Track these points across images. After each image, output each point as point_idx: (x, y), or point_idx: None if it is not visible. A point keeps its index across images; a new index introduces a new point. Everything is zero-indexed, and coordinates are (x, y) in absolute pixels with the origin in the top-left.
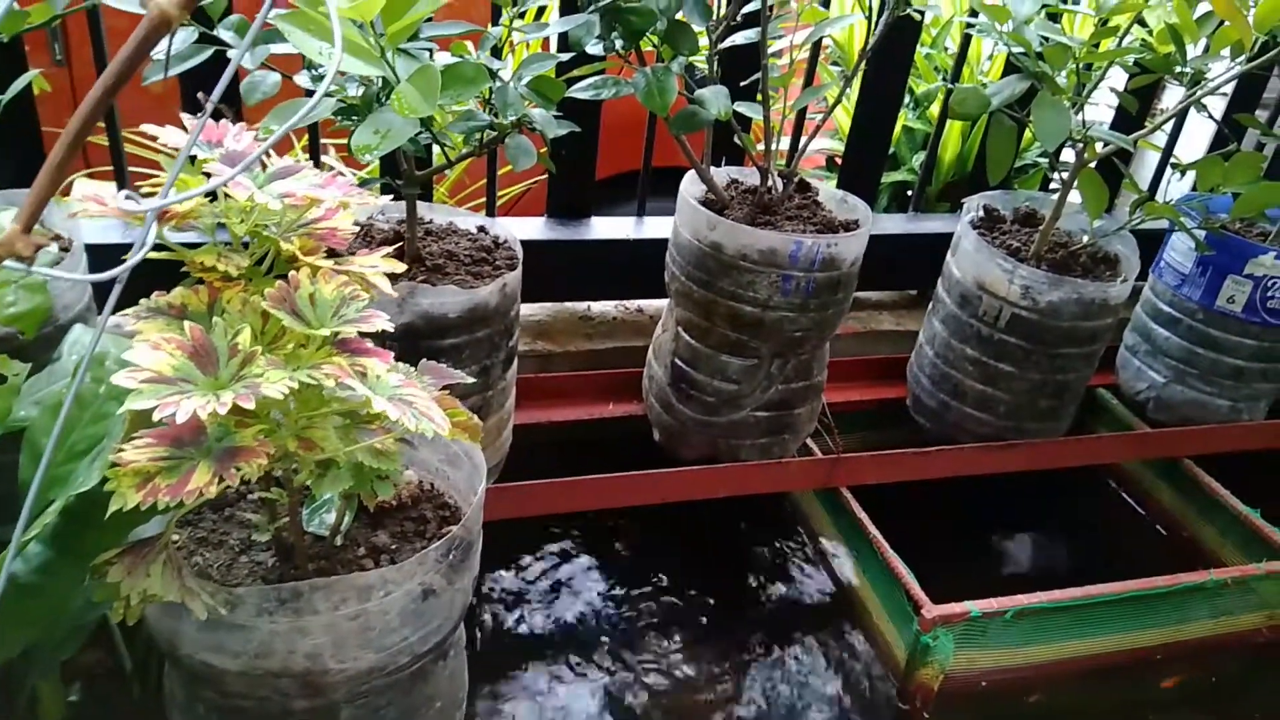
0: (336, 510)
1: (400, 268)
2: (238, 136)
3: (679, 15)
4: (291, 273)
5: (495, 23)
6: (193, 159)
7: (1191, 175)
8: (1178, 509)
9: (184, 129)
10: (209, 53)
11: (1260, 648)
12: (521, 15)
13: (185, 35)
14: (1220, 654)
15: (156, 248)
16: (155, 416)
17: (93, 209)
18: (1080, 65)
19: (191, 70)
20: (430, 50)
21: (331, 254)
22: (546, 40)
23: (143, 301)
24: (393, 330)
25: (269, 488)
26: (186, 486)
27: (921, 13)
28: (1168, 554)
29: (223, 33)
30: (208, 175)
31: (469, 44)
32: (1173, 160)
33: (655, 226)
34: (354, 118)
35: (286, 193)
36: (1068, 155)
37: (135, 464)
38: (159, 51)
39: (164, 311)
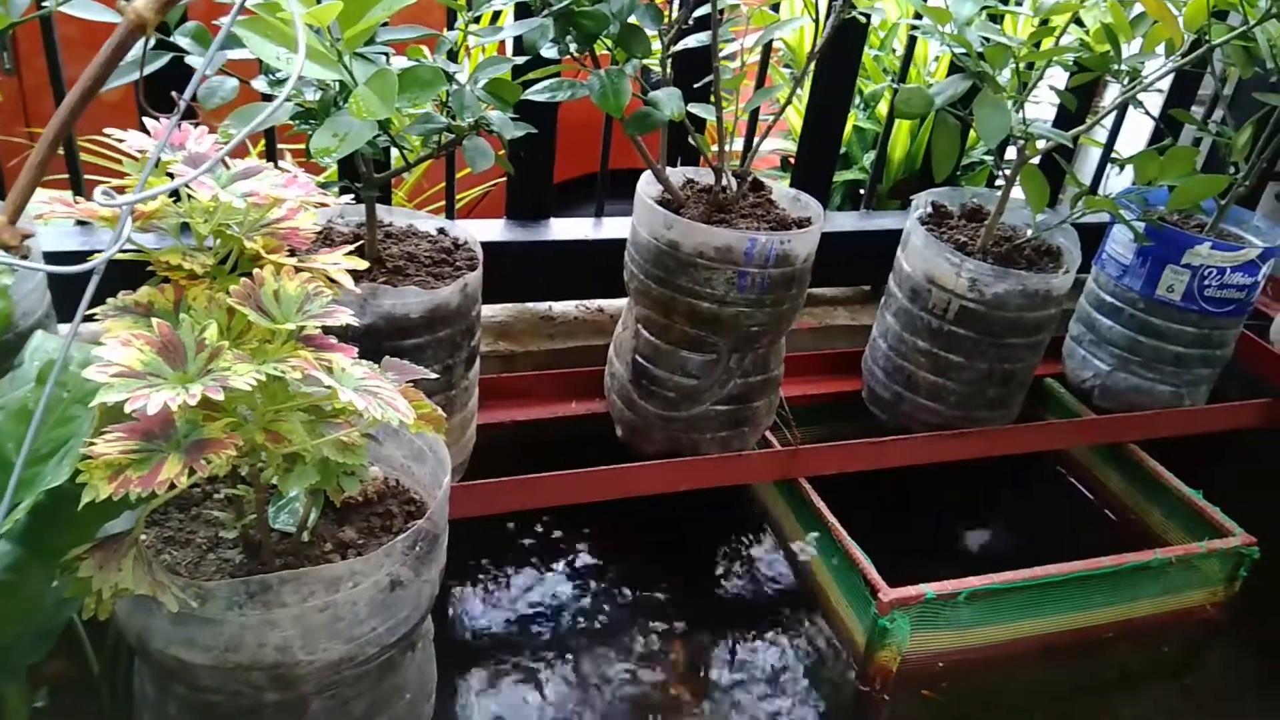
0: (303, 506)
1: (362, 265)
2: (199, 139)
3: (631, 19)
4: (256, 270)
5: (451, 27)
6: (157, 162)
7: (1131, 169)
8: (1124, 492)
9: (147, 133)
10: (166, 59)
11: (1205, 623)
12: (477, 19)
13: (143, 41)
14: (1167, 630)
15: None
16: (127, 408)
17: (59, 210)
18: (1021, 64)
19: (147, 77)
20: (387, 54)
21: (294, 253)
22: (503, 44)
23: (110, 300)
24: (357, 326)
25: (235, 485)
26: (158, 477)
27: (867, 15)
28: (1115, 536)
29: (179, 39)
30: (172, 176)
31: (425, 48)
32: (1113, 155)
33: (614, 227)
34: (312, 121)
35: (250, 192)
36: (1012, 152)
37: (107, 456)
38: (136, 51)
39: (131, 310)
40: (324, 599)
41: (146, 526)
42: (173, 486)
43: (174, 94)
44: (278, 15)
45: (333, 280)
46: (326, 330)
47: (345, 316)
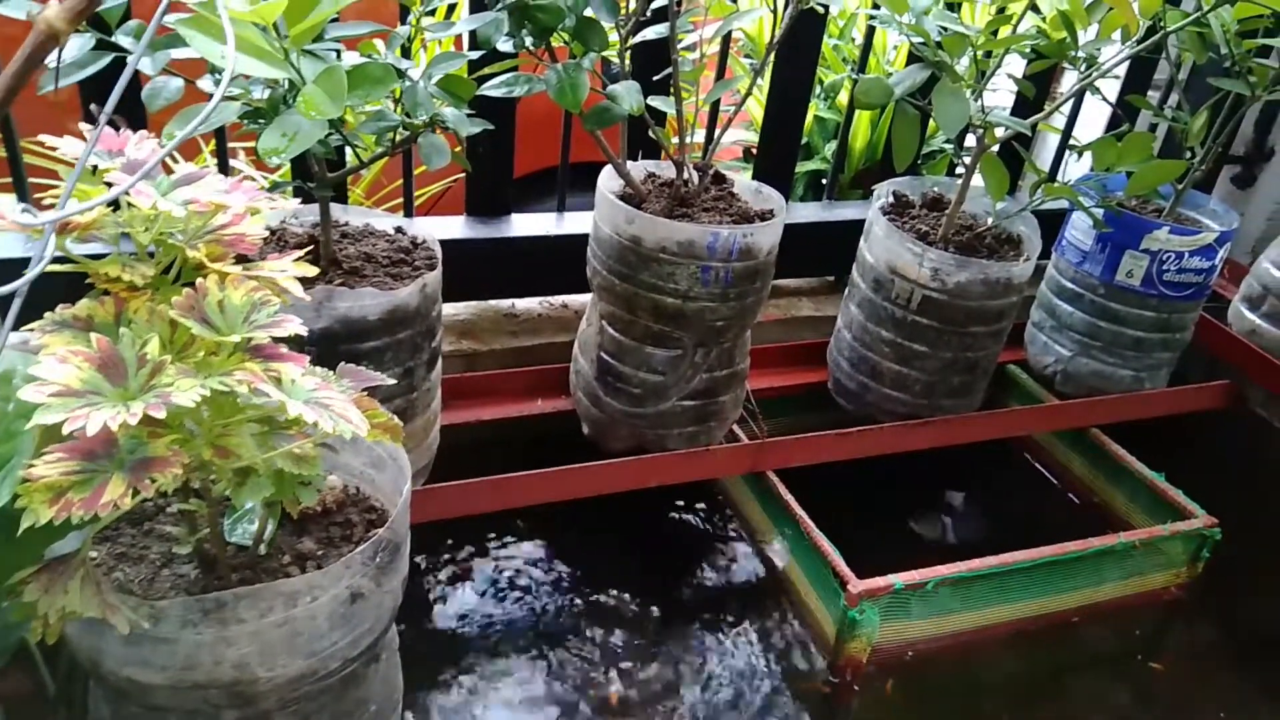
0: (259, 519)
1: (312, 271)
2: (139, 144)
3: (587, 11)
4: (199, 280)
5: (404, 22)
6: (94, 169)
7: (1089, 156)
8: (1088, 476)
9: (84, 138)
10: (107, 59)
11: (1170, 605)
12: (431, 13)
13: (82, 42)
14: (1133, 612)
15: (59, 260)
16: (65, 430)
17: None
18: (979, 53)
19: (93, 77)
20: (337, 51)
21: (242, 260)
22: (459, 39)
23: (47, 315)
24: (305, 334)
25: (188, 499)
26: (100, 499)
27: (826, 5)
28: (1080, 519)
29: (121, 39)
30: (110, 185)
31: (379, 44)
32: (1071, 142)
33: (576, 222)
34: (261, 121)
35: (190, 199)
36: (972, 141)
37: (46, 479)
38: (52, 60)
39: (70, 324)
40: (282, 614)
41: (98, 542)
42: (116, 507)
43: (93, 106)
44: (218, 14)
45: (281, 287)
46: (277, 339)
47: (293, 326)
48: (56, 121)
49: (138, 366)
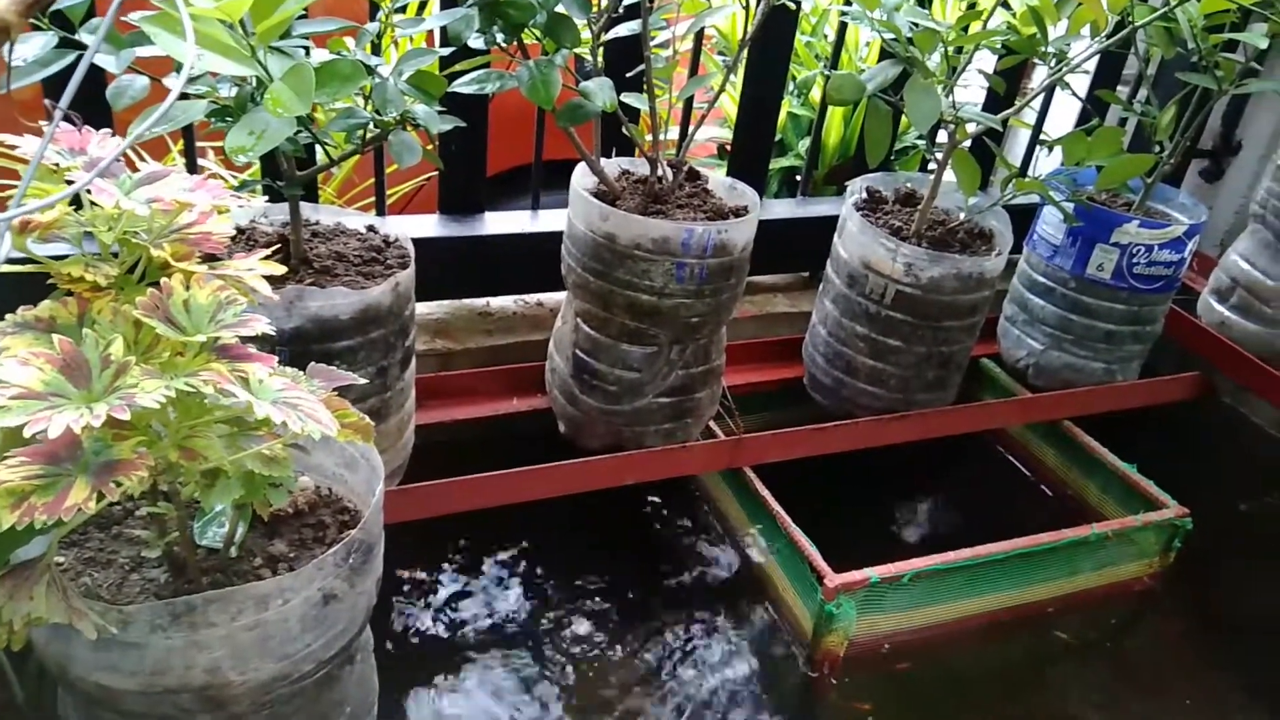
0: (229, 521)
1: (280, 269)
2: (101, 143)
3: (558, 8)
4: (164, 279)
5: (374, 18)
6: (56, 167)
7: (1060, 151)
8: (1061, 469)
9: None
10: (71, 58)
11: (1142, 595)
12: (402, 10)
13: (45, 40)
14: (1106, 602)
15: (21, 260)
16: (26, 433)
17: None
18: (950, 49)
19: (59, 75)
20: (306, 48)
21: (210, 259)
22: (432, 35)
23: (8, 317)
24: (274, 334)
25: (156, 502)
26: (64, 504)
27: (798, 2)
28: (1054, 512)
29: (85, 37)
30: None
31: (350, 40)
32: (1042, 137)
33: (551, 219)
34: (229, 119)
35: (154, 198)
36: (943, 136)
37: (8, 483)
38: (17, 58)
39: (32, 326)
40: (252, 617)
41: (65, 547)
42: (80, 511)
43: (47, 102)
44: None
45: (248, 286)
46: (245, 340)
47: (261, 325)
48: (29, 119)
49: (101, 368)
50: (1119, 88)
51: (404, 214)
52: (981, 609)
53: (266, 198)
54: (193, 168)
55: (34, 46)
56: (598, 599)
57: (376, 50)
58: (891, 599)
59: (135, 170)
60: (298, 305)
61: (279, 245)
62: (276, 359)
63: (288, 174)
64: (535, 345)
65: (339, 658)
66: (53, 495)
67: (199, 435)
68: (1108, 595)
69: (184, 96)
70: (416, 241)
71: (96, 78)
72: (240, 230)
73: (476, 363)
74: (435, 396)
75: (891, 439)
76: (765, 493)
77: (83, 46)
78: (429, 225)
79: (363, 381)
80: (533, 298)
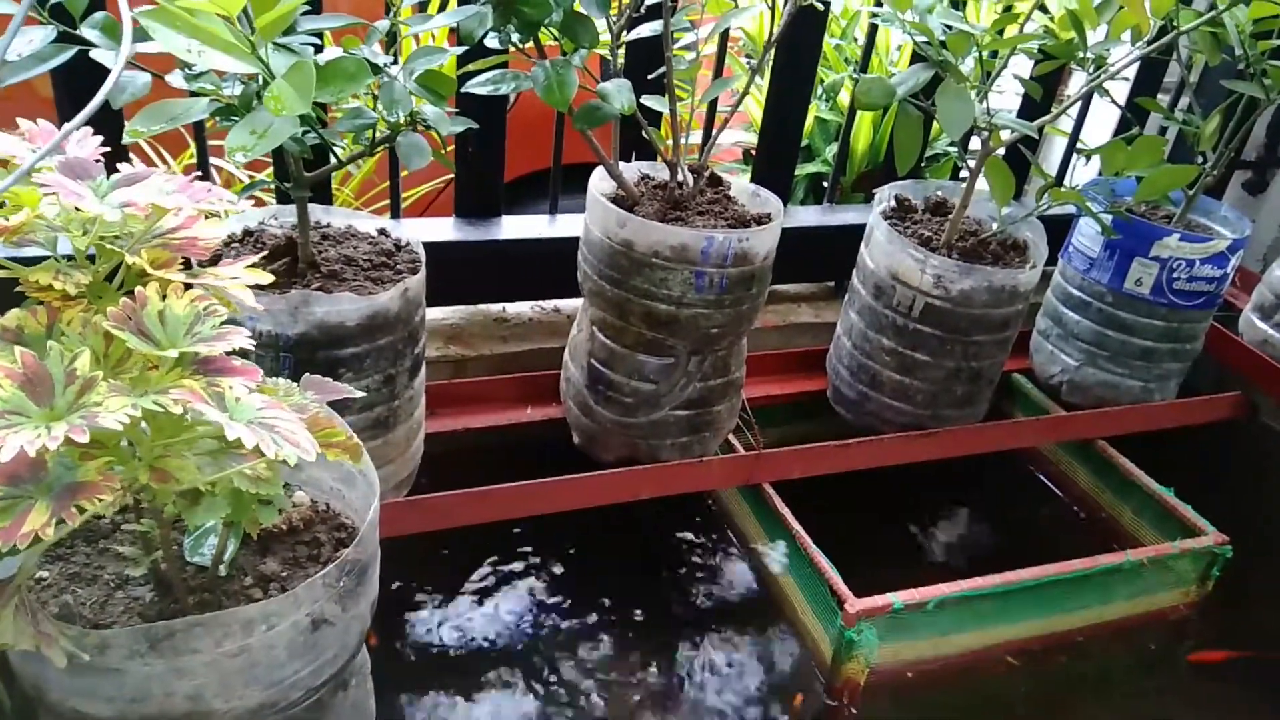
0: (218, 538)
1: (267, 278)
2: (81, 142)
3: (576, 6)
4: (138, 289)
5: (387, 15)
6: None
7: (1097, 160)
8: (1094, 490)
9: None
10: (71, 52)
11: (1178, 625)
12: (423, 7)
13: (44, 34)
14: (1140, 632)
15: None
16: None
17: None
18: (984, 53)
19: (62, 69)
20: (318, 45)
21: (189, 266)
22: (452, 33)
23: None
24: (289, 336)
25: (140, 519)
26: (21, 529)
27: (826, 3)
28: (1086, 535)
29: (87, 31)
30: (45, 186)
31: (377, 43)
32: (1079, 145)
33: (569, 224)
34: (234, 118)
35: (127, 202)
36: (976, 143)
37: None
38: (13, 52)
39: None
40: (237, 644)
41: (50, 561)
42: (38, 538)
43: None
44: (182, 4)
45: (230, 296)
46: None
47: (239, 340)
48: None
49: (66, 384)
50: (1159, 95)
51: (426, 215)
52: (1010, 637)
53: (250, 200)
54: (205, 166)
55: (34, 40)
56: (608, 617)
57: (388, 48)
58: (916, 626)
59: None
60: (303, 310)
61: (283, 249)
62: (261, 373)
63: (295, 175)
64: (551, 352)
65: (330, 684)
66: (10, 520)
67: (173, 455)
68: (1142, 624)
69: (190, 95)
70: (431, 245)
71: (100, 73)
72: (249, 232)
73: (490, 369)
74: (447, 404)
75: (918, 456)
76: (785, 510)
77: (84, 41)
78: (444, 229)
79: (359, 394)
80: (550, 304)
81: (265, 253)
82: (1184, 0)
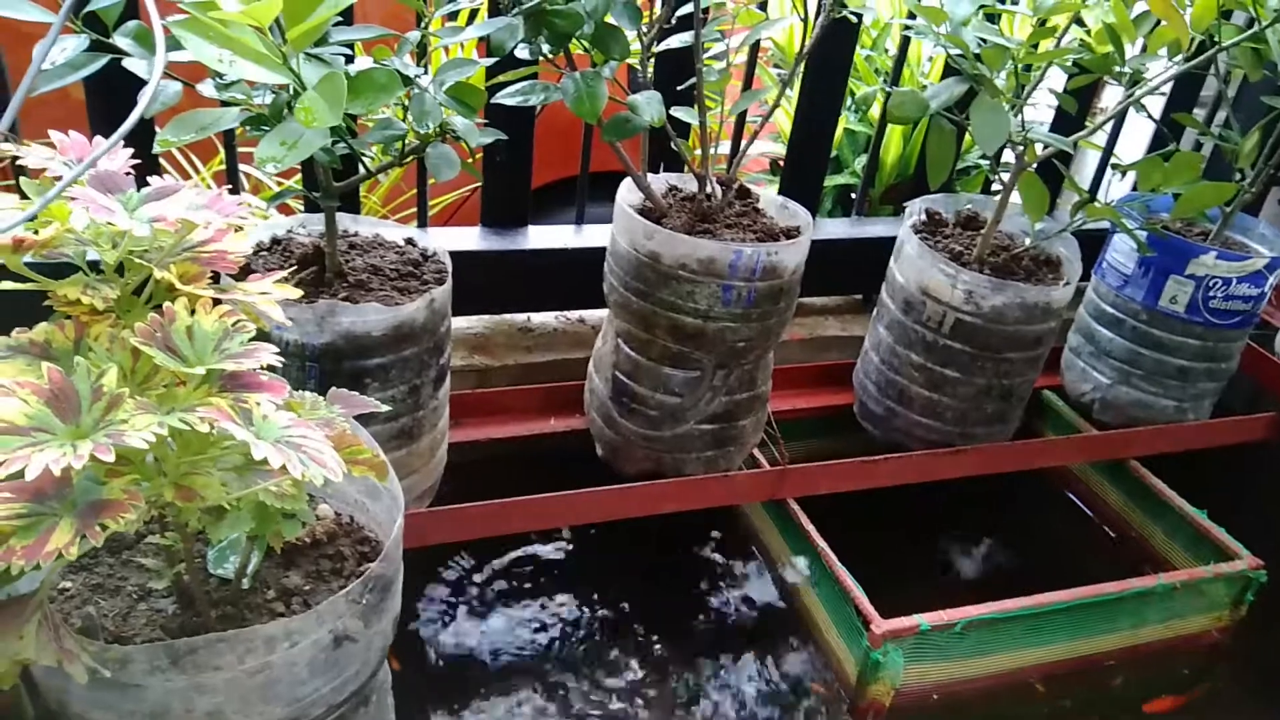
0: (241, 552)
1: (295, 293)
2: (113, 155)
3: (607, 18)
4: (167, 304)
5: (419, 27)
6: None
7: (1132, 175)
8: (1125, 510)
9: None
10: (104, 61)
11: (1211, 650)
12: (454, 16)
13: (77, 42)
14: (1172, 657)
15: (17, 278)
16: (0, 474)
17: None
18: (1019, 66)
19: (95, 77)
20: (349, 56)
21: (217, 280)
22: (482, 44)
23: (1, 340)
24: (315, 345)
25: (163, 531)
26: (44, 548)
27: (859, 15)
28: (1116, 556)
29: (120, 40)
30: (74, 199)
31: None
32: (1113, 160)
33: (595, 234)
34: (265, 128)
35: (157, 217)
36: (1010, 157)
37: None
38: (48, 60)
39: (26, 350)
40: (258, 660)
41: (75, 571)
42: (61, 556)
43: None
44: (214, 15)
45: (259, 312)
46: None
47: (266, 356)
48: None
49: (92, 400)
50: (1196, 110)
51: (453, 221)
52: (1038, 660)
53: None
54: (234, 176)
55: (68, 49)
56: (629, 630)
57: (419, 59)
58: (942, 647)
59: (186, 178)
60: (329, 320)
61: (311, 258)
62: (288, 387)
63: (324, 185)
64: (576, 363)
65: (352, 701)
66: (33, 537)
67: (199, 473)
68: (1173, 649)
69: (221, 105)
70: (458, 254)
71: (132, 81)
72: (277, 240)
73: (514, 379)
74: (471, 414)
75: (946, 474)
76: (810, 527)
77: (117, 50)
78: (471, 238)
79: (385, 409)
80: (575, 314)
81: (291, 263)
82: (1225, 15)
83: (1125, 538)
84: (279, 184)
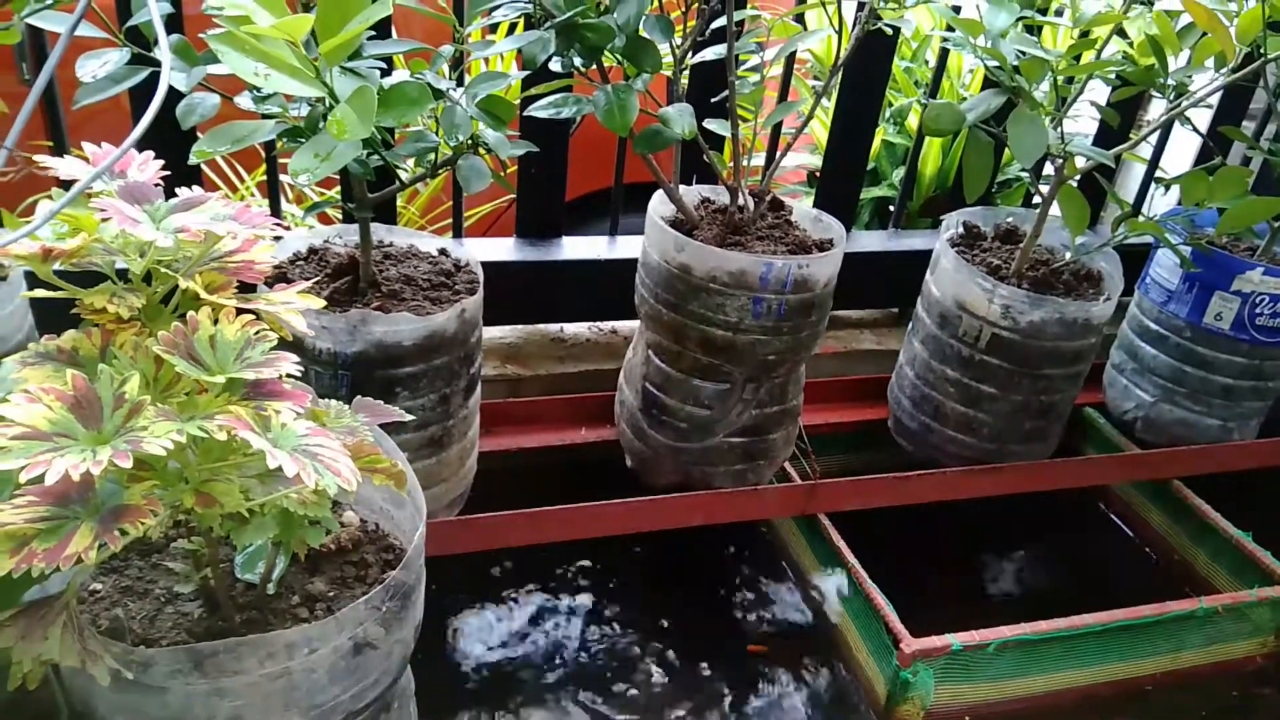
0: (266, 558)
1: (319, 303)
2: (143, 166)
3: (640, 31)
4: (191, 313)
5: (454, 40)
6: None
7: (1177, 189)
8: (1168, 532)
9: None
10: (144, 74)
11: (1254, 676)
12: (494, 29)
13: (119, 56)
14: (1214, 683)
15: (46, 286)
16: (22, 478)
17: None
18: (1059, 79)
19: (138, 90)
20: (385, 69)
21: (248, 289)
22: (519, 56)
23: (31, 345)
24: (347, 354)
25: (190, 535)
26: (65, 551)
27: (896, 29)
28: (1158, 578)
29: (160, 54)
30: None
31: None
32: (1157, 174)
33: (629, 246)
34: (300, 139)
35: (181, 227)
36: (1050, 170)
37: (10, 526)
38: (89, 73)
39: (53, 357)
40: (279, 666)
41: (105, 573)
42: (80, 560)
43: None
44: (247, 29)
45: (282, 322)
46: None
47: (288, 366)
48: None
49: (114, 407)
50: (1244, 123)
51: (491, 232)
52: (1074, 683)
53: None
54: (274, 184)
55: (109, 62)
56: (655, 643)
57: (456, 71)
58: (975, 668)
59: (232, 188)
60: (361, 329)
61: (345, 267)
62: (311, 395)
63: (358, 196)
64: (607, 374)
65: (373, 707)
66: (55, 541)
67: (219, 479)
68: (1215, 674)
69: (262, 117)
70: (491, 265)
71: (174, 95)
72: (313, 250)
73: (546, 389)
74: (502, 423)
75: (981, 491)
76: (841, 543)
77: (156, 63)
78: (505, 249)
79: (410, 418)
80: (607, 325)
81: (326, 272)
82: (1271, 26)
83: (1167, 560)
84: (319, 194)
